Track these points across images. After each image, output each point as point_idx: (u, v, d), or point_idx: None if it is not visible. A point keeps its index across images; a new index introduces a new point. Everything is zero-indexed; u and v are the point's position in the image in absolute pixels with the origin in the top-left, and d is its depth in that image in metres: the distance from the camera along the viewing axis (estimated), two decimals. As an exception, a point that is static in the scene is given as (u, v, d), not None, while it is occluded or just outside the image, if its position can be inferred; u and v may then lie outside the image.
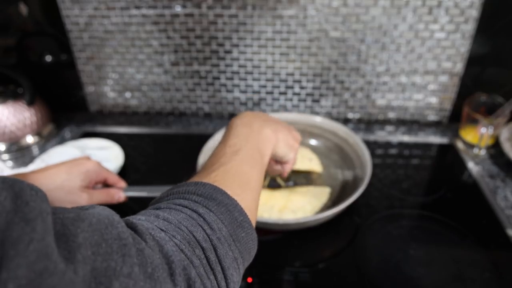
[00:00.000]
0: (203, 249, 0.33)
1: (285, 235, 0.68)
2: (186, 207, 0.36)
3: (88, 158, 0.63)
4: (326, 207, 0.73)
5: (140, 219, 0.34)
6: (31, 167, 0.83)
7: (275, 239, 0.65)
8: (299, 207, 0.71)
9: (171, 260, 0.30)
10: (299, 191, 0.75)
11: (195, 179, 0.42)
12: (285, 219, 0.67)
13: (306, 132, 0.87)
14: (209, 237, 0.34)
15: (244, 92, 1.00)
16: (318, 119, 0.86)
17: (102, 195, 0.61)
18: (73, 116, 1.06)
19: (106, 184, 0.66)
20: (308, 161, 0.82)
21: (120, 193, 0.64)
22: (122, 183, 0.66)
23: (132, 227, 0.31)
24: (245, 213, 0.39)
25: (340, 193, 0.76)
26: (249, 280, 0.61)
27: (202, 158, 0.74)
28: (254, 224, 0.41)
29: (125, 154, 0.87)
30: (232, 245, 0.36)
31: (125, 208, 0.76)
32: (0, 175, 0.27)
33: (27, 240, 0.22)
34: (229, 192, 0.39)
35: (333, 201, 0.74)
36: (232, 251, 0.36)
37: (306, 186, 0.77)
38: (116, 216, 0.30)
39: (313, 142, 0.88)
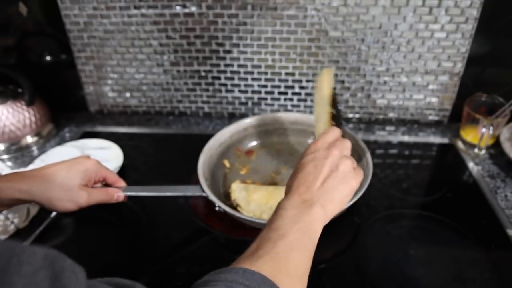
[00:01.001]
0: None
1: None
2: None
3: (87, 156, 0.63)
4: None
5: None
6: (31, 167, 0.83)
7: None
8: None
9: None
10: None
11: (242, 263, 0.40)
12: None
13: (307, 132, 0.87)
14: None
15: (244, 92, 0.99)
16: None
17: (101, 194, 0.61)
18: (73, 116, 1.06)
19: (105, 183, 0.66)
20: None
21: (119, 192, 0.64)
22: (122, 183, 0.66)
23: None
24: None
25: None
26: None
27: (202, 158, 0.74)
28: None
29: (125, 154, 0.87)
30: None
31: (125, 209, 0.76)
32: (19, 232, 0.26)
33: None
34: (277, 283, 0.37)
35: None
36: None
37: None
38: None
39: None
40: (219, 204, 0.65)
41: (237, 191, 0.72)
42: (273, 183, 0.79)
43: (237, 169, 0.82)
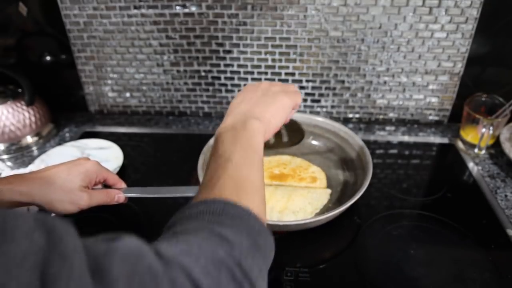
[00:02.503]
0: (228, 267, 0.32)
1: (285, 235, 0.68)
2: (203, 229, 0.35)
3: (87, 158, 0.63)
4: (327, 208, 0.72)
5: (163, 245, 0.33)
6: (30, 167, 0.83)
7: (275, 239, 0.65)
8: (300, 208, 0.71)
9: (200, 286, 0.30)
10: (299, 192, 0.75)
11: (201, 196, 0.41)
12: (286, 220, 0.67)
13: (306, 132, 0.87)
14: (231, 254, 0.33)
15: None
16: (320, 119, 0.86)
17: (101, 196, 0.61)
18: (73, 116, 1.06)
19: (106, 185, 0.66)
20: (312, 180, 0.78)
21: (120, 193, 0.64)
22: (122, 184, 0.66)
23: (159, 254, 0.30)
24: (260, 219, 0.39)
25: (341, 194, 0.76)
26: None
27: (202, 158, 0.74)
28: (265, 224, 0.41)
29: (125, 154, 0.87)
30: (255, 255, 0.35)
31: (125, 209, 0.76)
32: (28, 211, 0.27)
33: (66, 277, 0.22)
34: (238, 202, 0.38)
35: (334, 202, 0.74)
36: (256, 262, 0.35)
37: (307, 188, 0.77)
38: (144, 246, 0.29)
39: (314, 142, 0.88)
40: None
41: None
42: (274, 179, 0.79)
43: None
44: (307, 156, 0.85)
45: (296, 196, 0.73)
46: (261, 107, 0.52)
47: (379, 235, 0.68)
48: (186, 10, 0.89)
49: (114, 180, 0.65)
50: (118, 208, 0.77)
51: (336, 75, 0.94)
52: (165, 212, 0.75)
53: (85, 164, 0.60)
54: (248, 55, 0.93)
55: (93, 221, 0.74)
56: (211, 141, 0.80)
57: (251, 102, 0.53)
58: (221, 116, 1.04)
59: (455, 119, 0.97)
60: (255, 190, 0.43)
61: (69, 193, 0.57)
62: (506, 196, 0.76)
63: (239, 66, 0.95)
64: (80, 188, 0.58)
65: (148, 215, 0.74)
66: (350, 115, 1.00)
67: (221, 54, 0.94)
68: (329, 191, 0.76)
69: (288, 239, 0.67)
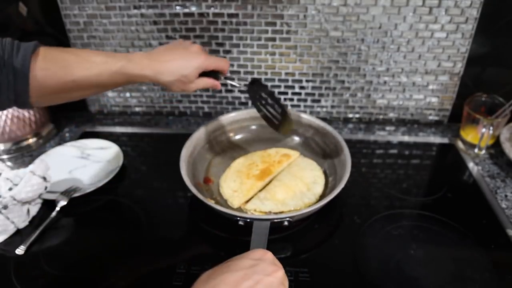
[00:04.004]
0: None
1: (285, 235, 0.68)
2: None
3: (199, 48, 0.68)
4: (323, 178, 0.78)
5: None
6: (31, 167, 0.83)
7: (275, 239, 0.65)
8: (301, 190, 0.74)
9: None
10: (292, 176, 0.77)
11: None
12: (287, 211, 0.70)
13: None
14: None
15: (244, 92, 0.99)
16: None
17: (205, 83, 0.69)
18: (73, 116, 1.06)
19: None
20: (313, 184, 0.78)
21: (219, 84, 0.71)
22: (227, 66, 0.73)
23: None
24: None
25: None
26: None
27: (185, 155, 0.75)
28: None
29: (125, 154, 0.87)
30: None
31: (125, 209, 0.76)
32: None
33: None
34: None
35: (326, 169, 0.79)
36: None
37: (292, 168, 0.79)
38: None
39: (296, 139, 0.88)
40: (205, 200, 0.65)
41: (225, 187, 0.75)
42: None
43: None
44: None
45: (292, 180, 0.75)
46: None
47: (379, 235, 0.68)
48: (186, 10, 0.89)
49: (220, 68, 0.71)
50: (117, 207, 0.78)
51: (336, 75, 0.94)
52: (165, 212, 0.76)
53: (199, 59, 0.67)
54: (248, 55, 0.93)
55: (93, 220, 0.74)
56: (194, 135, 0.79)
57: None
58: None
59: (455, 119, 0.97)
60: None
61: (181, 83, 0.66)
62: (506, 196, 0.76)
63: (239, 66, 0.95)
64: (192, 81, 0.67)
65: (148, 214, 0.74)
66: (350, 115, 1.00)
67: (221, 54, 0.94)
68: (313, 162, 0.80)
69: (288, 238, 0.67)
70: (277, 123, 0.75)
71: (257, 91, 0.74)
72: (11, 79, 0.55)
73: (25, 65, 0.55)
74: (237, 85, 0.75)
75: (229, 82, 0.74)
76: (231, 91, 1.00)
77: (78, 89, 0.61)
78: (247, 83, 0.75)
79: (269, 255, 0.49)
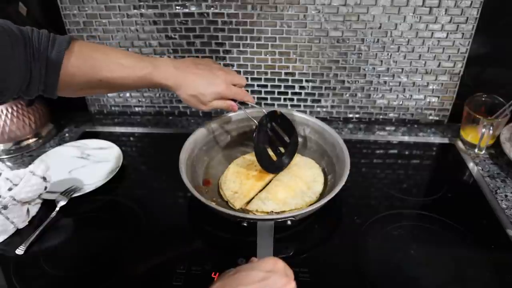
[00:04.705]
0: None
1: (285, 235, 0.68)
2: None
3: (223, 79, 0.69)
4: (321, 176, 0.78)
5: None
6: (31, 168, 0.83)
7: (275, 240, 0.65)
8: (301, 189, 0.74)
9: None
10: (291, 176, 0.77)
11: None
12: (288, 210, 0.70)
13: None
14: None
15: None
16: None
17: (221, 104, 0.70)
18: (73, 116, 1.06)
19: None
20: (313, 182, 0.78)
21: (236, 107, 0.72)
22: (249, 99, 0.74)
23: None
24: None
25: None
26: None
27: (184, 157, 0.74)
28: None
29: (125, 154, 0.87)
30: None
31: (125, 209, 0.76)
32: None
33: None
34: None
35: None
36: None
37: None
38: None
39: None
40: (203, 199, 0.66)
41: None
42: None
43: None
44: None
45: (291, 179, 0.75)
46: None
47: (379, 235, 0.68)
48: (186, 10, 0.89)
49: (239, 98, 0.72)
50: (117, 207, 0.78)
51: (336, 75, 0.94)
52: (165, 212, 0.76)
53: (220, 87, 0.68)
54: (248, 55, 0.93)
55: (93, 220, 0.74)
56: (191, 138, 0.79)
57: None
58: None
59: (455, 119, 0.97)
60: None
61: (196, 100, 0.68)
62: (506, 196, 0.76)
63: (239, 66, 0.95)
64: (207, 102, 0.68)
65: (147, 214, 0.73)
66: (350, 115, 1.00)
67: (221, 54, 0.94)
68: (311, 160, 0.81)
69: (288, 238, 0.67)
70: (269, 162, 0.76)
71: (271, 122, 0.77)
72: (43, 73, 0.57)
73: (58, 61, 0.57)
74: (256, 107, 0.77)
75: (243, 107, 0.76)
76: (231, 91, 1.00)
77: (103, 87, 0.64)
78: (264, 110, 0.76)
79: (280, 264, 0.47)
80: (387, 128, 0.98)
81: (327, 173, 0.78)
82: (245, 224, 0.63)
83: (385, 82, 0.94)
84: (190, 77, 0.67)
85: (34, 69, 0.55)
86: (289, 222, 0.64)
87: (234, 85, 0.71)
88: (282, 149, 0.78)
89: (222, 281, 0.45)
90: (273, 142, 0.77)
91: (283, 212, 0.70)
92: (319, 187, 0.75)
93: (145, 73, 0.64)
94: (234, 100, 0.71)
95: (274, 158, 0.77)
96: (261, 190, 0.75)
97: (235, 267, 0.47)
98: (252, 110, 0.80)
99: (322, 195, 0.73)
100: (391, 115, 0.99)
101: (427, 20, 0.84)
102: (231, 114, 0.85)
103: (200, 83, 0.67)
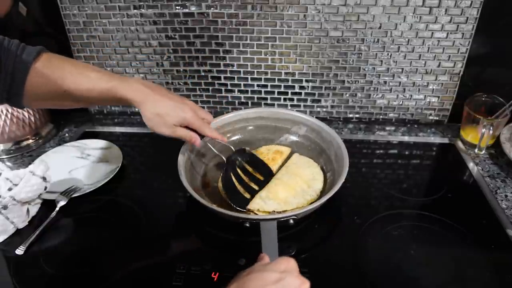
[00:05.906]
0: None
1: (285, 235, 0.68)
2: None
3: (192, 105, 0.68)
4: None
5: None
6: (31, 168, 0.83)
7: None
8: (301, 187, 0.74)
9: None
10: (290, 175, 0.77)
11: None
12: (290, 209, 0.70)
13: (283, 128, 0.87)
14: None
15: (244, 92, 0.99)
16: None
17: (185, 133, 0.68)
18: (73, 116, 1.06)
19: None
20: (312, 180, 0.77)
21: (199, 140, 0.69)
22: (215, 136, 0.72)
23: None
24: None
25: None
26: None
27: (182, 159, 0.75)
28: None
29: (124, 154, 0.87)
30: None
31: (125, 209, 0.76)
32: None
33: None
34: None
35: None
36: None
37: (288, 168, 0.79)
38: None
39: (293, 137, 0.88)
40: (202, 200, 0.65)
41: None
42: None
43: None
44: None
45: (291, 178, 0.75)
46: None
47: (379, 235, 0.68)
48: (186, 10, 0.89)
49: (204, 133, 0.70)
50: (117, 207, 0.78)
51: (336, 75, 0.94)
52: (164, 212, 0.76)
53: (187, 113, 0.66)
54: (248, 55, 0.93)
55: (93, 220, 0.74)
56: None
57: None
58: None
59: (455, 119, 0.97)
60: None
61: (160, 121, 0.65)
62: (506, 196, 0.76)
63: (239, 66, 0.95)
64: (171, 126, 0.66)
65: (148, 214, 0.73)
66: (350, 115, 1.00)
67: (221, 54, 0.94)
68: (310, 160, 0.80)
69: (288, 238, 0.67)
70: (239, 196, 0.73)
71: (239, 159, 0.78)
72: (8, 81, 0.56)
73: (24, 70, 0.57)
74: (216, 152, 0.77)
75: (209, 145, 0.76)
76: (231, 91, 1.00)
77: (69, 99, 0.63)
78: (232, 148, 0.77)
79: (293, 264, 0.47)
80: (387, 128, 0.98)
81: (325, 171, 0.78)
82: (247, 225, 0.63)
83: (385, 82, 0.94)
84: (157, 97, 0.65)
85: None
86: (291, 221, 0.64)
87: (202, 119, 0.70)
88: (254, 186, 0.75)
89: (237, 282, 0.44)
90: (242, 179, 0.76)
91: (284, 211, 0.70)
92: (319, 185, 0.75)
93: (110, 85, 0.62)
94: (202, 136, 0.70)
95: (247, 195, 0.74)
96: (261, 190, 0.75)
97: (238, 268, 0.47)
98: (221, 146, 0.78)
99: (322, 193, 0.73)
100: (391, 115, 0.99)
101: (427, 20, 0.84)
102: (226, 116, 0.85)
103: (167, 103, 0.65)
